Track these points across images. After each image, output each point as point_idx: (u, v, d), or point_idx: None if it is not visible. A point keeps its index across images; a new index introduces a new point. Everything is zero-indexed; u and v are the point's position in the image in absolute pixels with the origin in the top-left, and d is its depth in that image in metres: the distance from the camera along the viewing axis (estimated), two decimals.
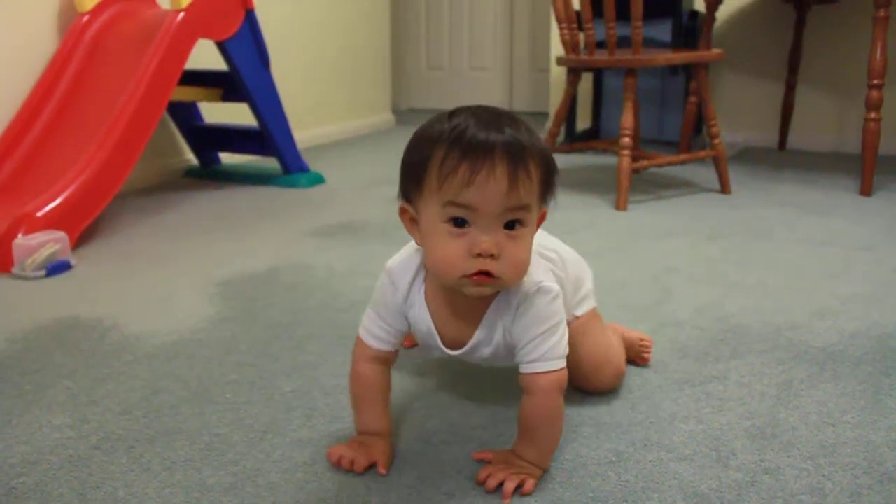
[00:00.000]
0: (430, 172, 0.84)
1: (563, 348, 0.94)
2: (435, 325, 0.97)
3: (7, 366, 1.28)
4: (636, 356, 1.25)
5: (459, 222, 0.84)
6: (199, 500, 0.90)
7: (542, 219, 0.92)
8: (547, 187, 0.89)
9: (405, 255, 0.98)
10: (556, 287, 0.94)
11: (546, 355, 0.92)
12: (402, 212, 0.92)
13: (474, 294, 0.89)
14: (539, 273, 0.94)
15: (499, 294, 0.94)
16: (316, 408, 1.13)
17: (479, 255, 0.84)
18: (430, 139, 0.86)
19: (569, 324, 1.00)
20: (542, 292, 0.92)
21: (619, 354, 1.17)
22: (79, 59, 2.36)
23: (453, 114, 0.87)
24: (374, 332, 0.99)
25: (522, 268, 0.88)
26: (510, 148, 0.82)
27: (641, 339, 1.26)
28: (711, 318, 1.46)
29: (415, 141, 0.89)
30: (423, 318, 0.97)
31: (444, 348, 0.99)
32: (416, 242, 0.93)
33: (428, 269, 0.94)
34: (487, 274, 0.85)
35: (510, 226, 0.85)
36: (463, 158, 0.82)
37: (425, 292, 0.96)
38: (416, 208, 0.89)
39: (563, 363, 0.94)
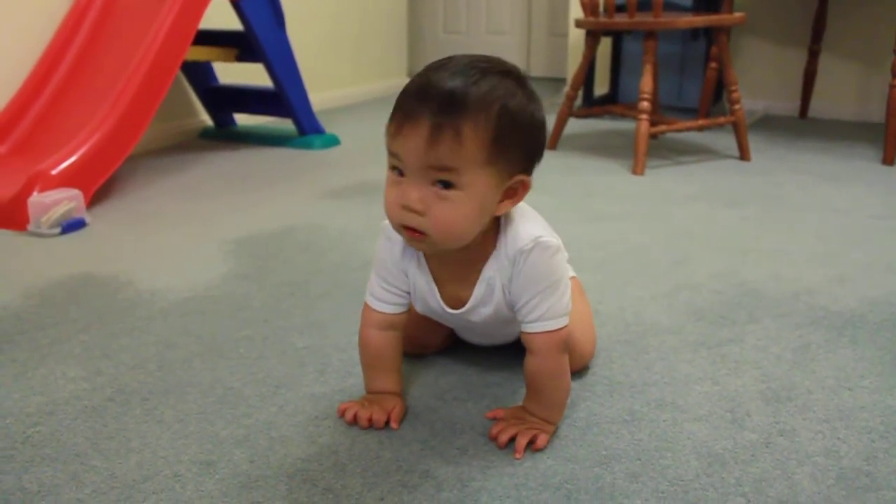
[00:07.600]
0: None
1: (565, 306, 0.92)
2: (434, 279, 0.96)
3: (23, 320, 1.29)
4: None
5: (399, 171, 0.83)
6: (212, 452, 0.91)
7: (524, 188, 0.87)
8: (501, 151, 0.82)
9: None
10: (554, 242, 0.91)
11: (546, 314, 0.90)
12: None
13: (413, 247, 0.89)
14: (535, 228, 0.91)
15: (496, 249, 0.91)
16: (329, 363, 1.13)
17: (405, 208, 0.82)
18: (408, 85, 0.85)
19: None
20: (539, 247, 0.89)
21: (590, 328, 1.11)
22: (93, 17, 2.35)
23: (443, 59, 0.85)
24: (379, 294, 0.98)
25: (450, 230, 0.83)
26: (445, 103, 0.78)
27: None
28: (728, 282, 1.44)
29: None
30: (422, 273, 0.96)
31: (444, 306, 0.97)
32: None
33: None
34: (417, 230, 0.83)
35: (445, 185, 0.81)
36: (401, 107, 0.81)
37: None
38: None
39: (564, 321, 0.91)
